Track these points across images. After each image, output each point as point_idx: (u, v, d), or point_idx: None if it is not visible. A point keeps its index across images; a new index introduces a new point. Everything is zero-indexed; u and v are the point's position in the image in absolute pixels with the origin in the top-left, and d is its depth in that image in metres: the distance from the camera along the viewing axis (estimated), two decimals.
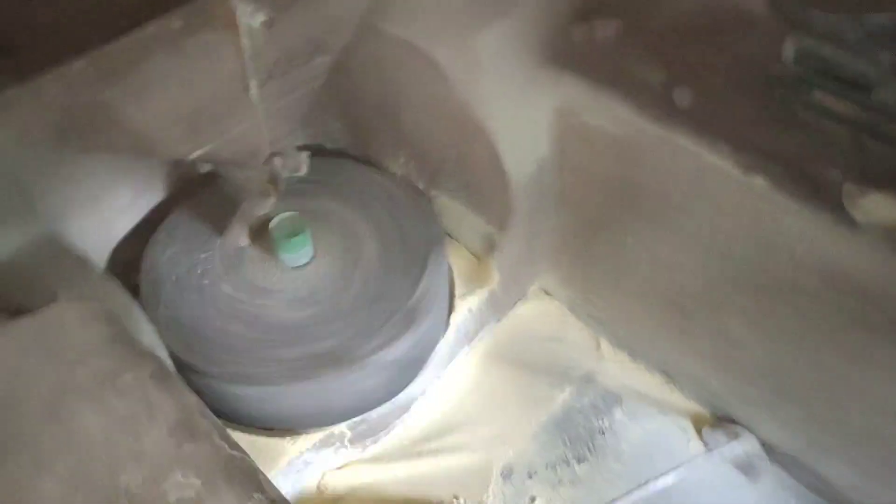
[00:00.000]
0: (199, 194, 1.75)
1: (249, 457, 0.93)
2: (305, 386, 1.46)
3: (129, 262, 1.68)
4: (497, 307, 1.85)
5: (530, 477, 1.65)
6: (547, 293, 1.94)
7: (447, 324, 1.72)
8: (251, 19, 1.18)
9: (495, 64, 1.51)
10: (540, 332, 1.89)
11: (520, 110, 1.55)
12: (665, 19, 1.61)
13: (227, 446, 0.93)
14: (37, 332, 1.02)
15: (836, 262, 1.28)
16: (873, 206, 1.22)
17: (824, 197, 1.27)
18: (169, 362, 1.28)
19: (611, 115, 1.47)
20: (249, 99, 1.34)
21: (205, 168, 1.68)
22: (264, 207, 1.61)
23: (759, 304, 1.45)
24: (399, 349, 1.50)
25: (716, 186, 1.38)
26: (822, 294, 1.33)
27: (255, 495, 0.88)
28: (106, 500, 0.87)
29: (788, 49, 1.38)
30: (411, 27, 1.52)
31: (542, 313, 1.92)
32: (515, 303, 1.92)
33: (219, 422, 0.96)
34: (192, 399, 0.97)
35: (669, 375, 1.78)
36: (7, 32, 1.23)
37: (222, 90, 1.28)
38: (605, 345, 1.86)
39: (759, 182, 1.31)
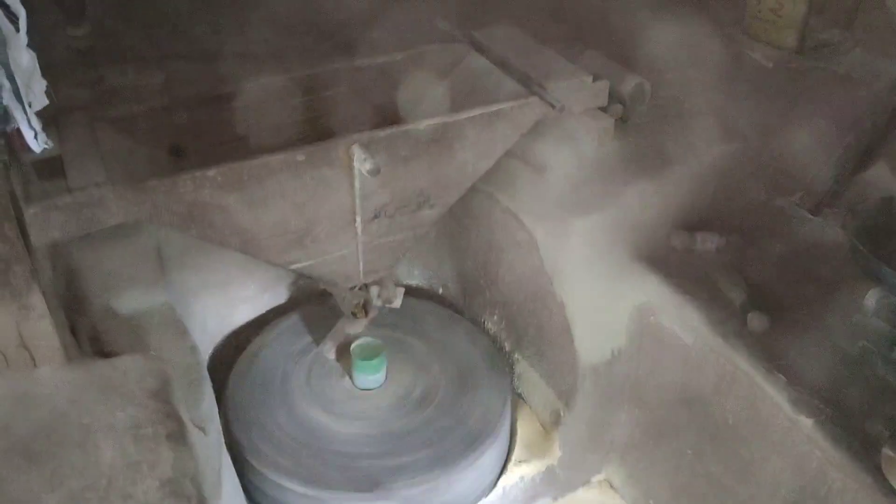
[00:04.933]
0: (315, 304, 1.97)
1: None
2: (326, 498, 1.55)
3: (243, 346, 1.90)
4: (555, 485, 1.83)
5: None
6: (612, 487, 1.90)
7: (493, 484, 1.74)
8: (362, 165, 1.38)
9: (586, 250, 1.60)
10: None
11: (601, 298, 1.61)
12: (771, 246, 1.62)
13: None
14: (102, 374, 1.22)
15: None
16: None
17: (873, 456, 1.20)
18: (218, 433, 1.43)
19: (683, 321, 1.49)
20: (354, 230, 1.52)
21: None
22: (355, 329, 1.77)
23: None
24: (420, 490, 1.56)
25: (767, 417, 1.34)
26: None
27: None
28: None
29: (870, 300, 1.35)
30: (517, 200, 1.66)
31: None
32: (577, 488, 1.89)
33: (203, 491, 1.07)
34: (191, 464, 1.10)
35: None
36: (184, 142, 1.55)
37: (330, 218, 1.48)
38: None
39: (805, 422, 1.27)
